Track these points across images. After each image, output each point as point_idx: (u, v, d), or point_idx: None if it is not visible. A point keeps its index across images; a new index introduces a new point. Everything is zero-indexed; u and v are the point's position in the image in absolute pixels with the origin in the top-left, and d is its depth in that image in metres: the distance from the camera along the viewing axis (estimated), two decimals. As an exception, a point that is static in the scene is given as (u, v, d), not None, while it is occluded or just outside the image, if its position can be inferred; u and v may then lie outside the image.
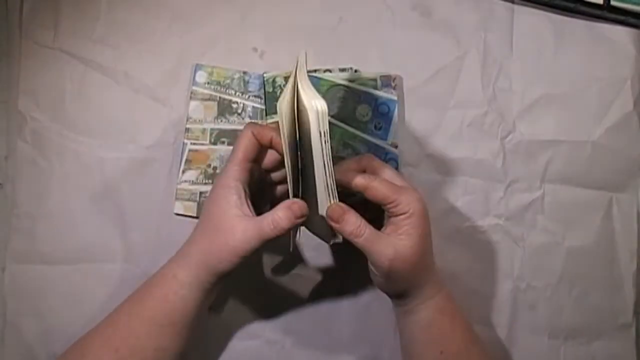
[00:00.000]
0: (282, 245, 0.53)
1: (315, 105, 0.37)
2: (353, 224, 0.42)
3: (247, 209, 0.42)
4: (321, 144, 0.38)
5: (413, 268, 0.43)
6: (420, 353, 0.46)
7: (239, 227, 0.42)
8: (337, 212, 0.42)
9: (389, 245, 0.42)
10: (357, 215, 0.42)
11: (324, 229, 0.45)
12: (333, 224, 0.42)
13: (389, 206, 0.43)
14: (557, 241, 0.55)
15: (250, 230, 0.41)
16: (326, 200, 0.42)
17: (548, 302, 0.54)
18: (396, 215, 0.43)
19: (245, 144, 0.44)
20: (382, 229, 0.44)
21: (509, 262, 0.55)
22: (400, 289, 0.45)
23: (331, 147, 0.38)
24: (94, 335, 0.44)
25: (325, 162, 0.39)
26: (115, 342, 0.43)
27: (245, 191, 0.43)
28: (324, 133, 0.38)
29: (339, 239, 0.45)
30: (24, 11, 0.53)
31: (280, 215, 0.41)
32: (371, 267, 0.44)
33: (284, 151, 0.40)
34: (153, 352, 0.43)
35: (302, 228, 0.48)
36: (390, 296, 0.47)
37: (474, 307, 0.54)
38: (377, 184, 0.43)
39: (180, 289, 0.43)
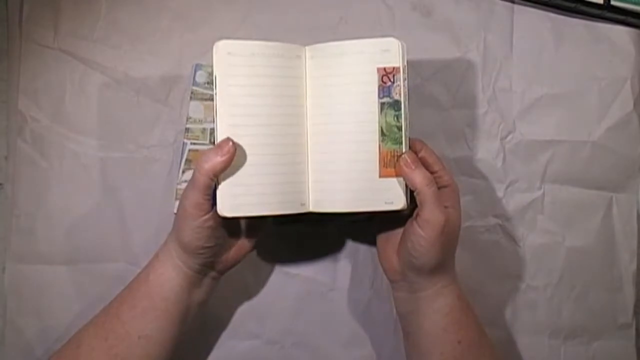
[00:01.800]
0: (282, 246, 0.53)
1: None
2: (426, 173, 0.42)
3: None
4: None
5: (454, 238, 0.45)
6: (439, 343, 0.45)
7: (191, 198, 0.42)
8: (412, 157, 0.43)
9: (443, 209, 0.43)
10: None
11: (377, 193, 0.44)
12: (406, 169, 0.42)
13: (435, 174, 0.44)
14: (557, 241, 0.55)
15: (196, 196, 0.41)
16: (394, 152, 0.43)
17: (548, 302, 0.54)
18: (439, 187, 0.43)
19: (204, 182, 0.42)
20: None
21: (509, 262, 0.55)
22: (439, 259, 0.44)
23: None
24: (89, 325, 0.45)
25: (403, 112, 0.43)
26: (106, 330, 0.44)
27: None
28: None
29: (398, 204, 0.43)
30: (24, 11, 0.53)
31: (209, 155, 0.41)
32: (419, 230, 0.43)
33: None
34: (137, 340, 0.43)
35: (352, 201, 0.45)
36: (422, 274, 0.45)
37: (475, 307, 0.54)
38: (431, 149, 0.46)
39: (160, 267, 0.45)
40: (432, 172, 0.44)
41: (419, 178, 0.42)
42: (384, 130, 0.43)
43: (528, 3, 0.56)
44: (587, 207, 0.55)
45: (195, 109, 0.53)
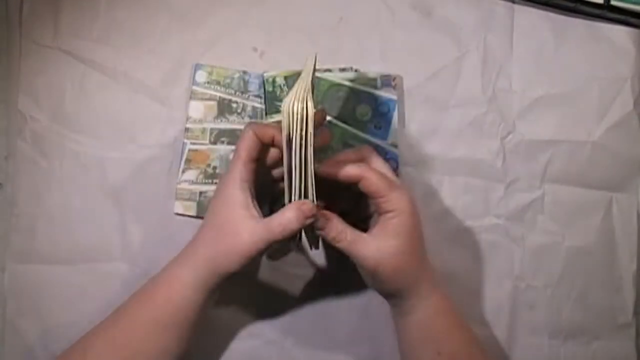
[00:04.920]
0: (282, 246, 0.53)
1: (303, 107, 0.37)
2: (335, 230, 0.42)
3: (254, 210, 0.42)
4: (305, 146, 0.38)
5: (401, 268, 0.43)
6: (417, 355, 0.45)
7: (247, 229, 0.41)
8: (321, 221, 0.42)
9: (373, 247, 0.42)
10: (341, 220, 0.42)
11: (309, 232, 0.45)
12: (317, 231, 0.42)
13: (379, 201, 0.42)
14: (557, 241, 0.55)
15: (258, 232, 0.41)
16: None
17: (548, 302, 0.54)
18: (385, 213, 0.42)
19: (248, 144, 0.43)
20: (370, 229, 0.44)
21: (509, 262, 0.55)
22: (391, 289, 0.44)
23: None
24: (96, 334, 0.44)
25: (306, 165, 0.39)
26: (117, 343, 0.43)
27: (251, 191, 0.43)
28: (307, 136, 0.38)
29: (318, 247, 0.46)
30: (24, 11, 0.53)
31: (290, 217, 0.40)
32: (360, 270, 0.44)
33: (283, 152, 0.40)
34: (156, 354, 0.43)
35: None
36: (383, 296, 0.47)
37: (474, 307, 0.54)
38: (372, 175, 0.42)
39: (184, 290, 0.43)
40: (377, 198, 0.43)
41: (330, 235, 0.42)
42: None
43: (528, 3, 0.56)
44: (587, 207, 0.55)
45: (195, 109, 0.53)
